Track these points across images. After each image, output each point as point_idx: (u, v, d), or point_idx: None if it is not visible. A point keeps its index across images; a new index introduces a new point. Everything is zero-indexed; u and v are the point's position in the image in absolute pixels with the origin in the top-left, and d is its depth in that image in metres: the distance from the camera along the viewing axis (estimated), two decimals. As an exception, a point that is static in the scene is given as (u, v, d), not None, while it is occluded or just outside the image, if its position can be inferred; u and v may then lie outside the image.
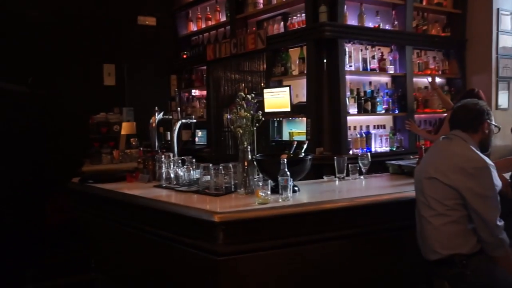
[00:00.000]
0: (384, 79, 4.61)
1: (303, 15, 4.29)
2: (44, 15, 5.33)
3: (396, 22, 4.56)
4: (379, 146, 4.36)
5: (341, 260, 2.30)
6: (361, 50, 4.31)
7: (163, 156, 2.91)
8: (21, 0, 5.25)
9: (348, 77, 4.16)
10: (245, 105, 2.44)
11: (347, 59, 4.16)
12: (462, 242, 2.07)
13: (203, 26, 5.80)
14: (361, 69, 4.30)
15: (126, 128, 4.94)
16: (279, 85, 4.59)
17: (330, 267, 2.27)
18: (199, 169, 2.65)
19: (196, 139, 5.86)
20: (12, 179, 4.64)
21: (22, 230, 4.65)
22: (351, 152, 4.09)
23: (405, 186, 2.60)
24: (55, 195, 4.94)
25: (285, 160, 2.26)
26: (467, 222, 2.09)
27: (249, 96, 2.45)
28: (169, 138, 4.26)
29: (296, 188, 2.46)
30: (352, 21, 4.28)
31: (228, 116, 4.69)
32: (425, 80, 4.74)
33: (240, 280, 2.10)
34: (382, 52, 4.46)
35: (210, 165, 2.50)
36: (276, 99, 4.40)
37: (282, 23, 4.67)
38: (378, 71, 4.43)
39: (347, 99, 4.11)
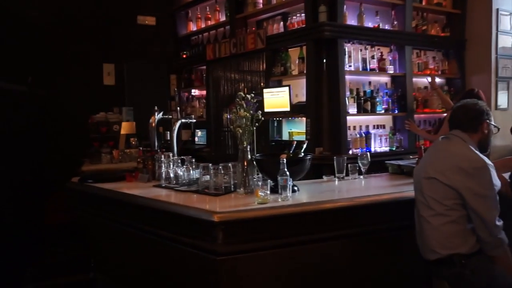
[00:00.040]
0: (384, 79, 4.62)
1: (303, 15, 4.29)
2: (43, 15, 5.34)
3: (395, 22, 4.56)
4: (379, 146, 4.36)
5: (341, 260, 2.31)
6: (361, 50, 4.31)
7: (162, 156, 2.91)
8: (21, 0, 5.25)
9: (347, 77, 4.16)
10: (244, 105, 2.44)
11: (346, 59, 4.16)
12: (461, 242, 2.08)
13: (203, 25, 5.80)
14: (360, 69, 4.31)
15: (125, 127, 4.95)
16: (279, 85, 4.59)
17: (329, 266, 2.27)
18: (198, 169, 2.65)
19: (196, 138, 5.86)
20: (11, 179, 4.64)
21: (22, 230, 4.65)
22: (350, 152, 4.09)
23: (405, 186, 2.61)
24: (55, 194, 4.94)
25: (285, 160, 2.26)
26: (466, 222, 2.09)
27: (248, 96, 2.45)
28: (168, 138, 4.25)
29: (295, 188, 2.47)
30: (351, 21, 4.28)
31: (228, 116, 4.70)
32: (424, 80, 4.74)
33: (239, 280, 2.10)
34: (381, 52, 4.47)
35: (210, 164, 2.50)
36: (276, 99, 4.40)
37: (281, 23, 4.67)
38: (377, 71, 4.43)
39: (346, 99, 4.11)
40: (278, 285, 2.19)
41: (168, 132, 4.33)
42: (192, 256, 2.14)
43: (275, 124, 4.69)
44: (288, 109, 4.30)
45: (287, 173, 2.24)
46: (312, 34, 4.09)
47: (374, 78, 4.51)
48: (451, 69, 5.06)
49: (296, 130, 4.54)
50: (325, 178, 2.95)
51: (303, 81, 4.27)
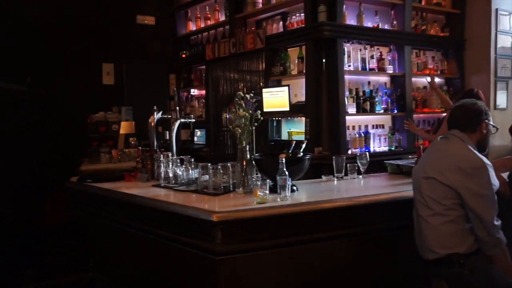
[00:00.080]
0: (383, 79, 4.62)
1: (302, 14, 4.29)
2: (43, 15, 5.33)
3: (395, 22, 4.56)
4: (378, 145, 4.37)
5: (340, 260, 2.31)
6: (360, 50, 4.32)
7: (161, 156, 2.91)
8: (21, 0, 5.25)
9: (347, 76, 4.16)
10: (244, 105, 2.44)
11: (346, 59, 4.16)
12: (460, 241, 2.08)
13: (202, 25, 5.80)
14: (360, 69, 4.31)
15: (124, 127, 4.95)
16: (278, 84, 4.59)
17: (328, 266, 2.27)
18: (197, 168, 2.65)
19: (195, 138, 5.86)
20: (11, 179, 4.64)
21: (21, 230, 4.65)
22: (349, 151, 4.10)
23: (403, 186, 2.61)
24: (55, 194, 4.94)
25: (284, 159, 2.26)
26: (464, 222, 2.09)
27: (248, 96, 2.45)
28: (167, 138, 4.25)
29: (294, 188, 2.47)
30: (351, 20, 4.29)
31: (227, 116, 4.70)
32: (424, 80, 4.74)
33: (238, 280, 2.10)
34: (381, 52, 4.47)
35: (209, 164, 2.50)
36: (275, 99, 4.40)
37: (281, 22, 4.67)
38: (377, 71, 4.43)
39: (346, 98, 4.11)
40: (277, 285, 2.19)
41: (167, 132, 4.33)
42: (191, 255, 2.14)
43: (274, 124, 4.70)
44: (287, 109, 4.30)
45: (286, 173, 2.24)
46: (311, 34, 4.09)
47: (373, 78, 4.51)
48: (450, 69, 5.06)
49: (295, 130, 4.54)
50: (324, 178, 2.95)
51: (302, 81, 4.27)
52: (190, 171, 2.82)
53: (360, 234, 2.30)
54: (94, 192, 2.88)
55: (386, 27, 4.53)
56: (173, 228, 2.23)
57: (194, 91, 6.15)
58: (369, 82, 4.45)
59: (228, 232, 2.02)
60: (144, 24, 6.10)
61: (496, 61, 4.83)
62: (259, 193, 2.19)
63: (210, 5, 5.70)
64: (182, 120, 3.62)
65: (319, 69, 4.11)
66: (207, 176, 2.49)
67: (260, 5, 4.83)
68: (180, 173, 2.79)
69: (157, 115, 3.50)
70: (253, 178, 2.42)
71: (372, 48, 4.42)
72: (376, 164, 3.28)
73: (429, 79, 4.47)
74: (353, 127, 4.24)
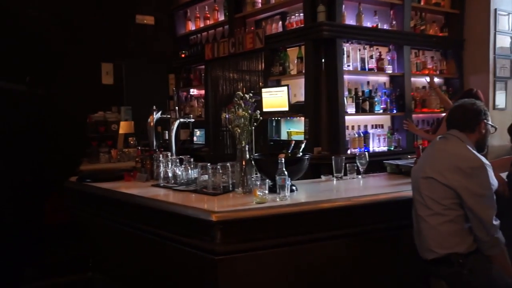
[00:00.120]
0: (382, 78, 4.62)
1: (302, 14, 4.29)
2: (43, 14, 5.33)
3: (394, 22, 4.56)
4: (377, 145, 4.37)
5: (339, 259, 2.31)
6: (359, 50, 4.32)
7: (161, 155, 2.91)
8: (21, 0, 5.24)
9: (346, 76, 4.16)
10: (243, 105, 2.44)
11: (345, 59, 4.17)
12: (459, 241, 2.09)
13: (202, 25, 5.80)
14: (359, 69, 4.31)
15: (124, 127, 4.94)
16: (277, 84, 4.59)
17: (327, 266, 2.28)
18: (197, 168, 2.65)
19: (194, 138, 5.86)
20: (10, 179, 4.64)
21: (21, 230, 4.64)
22: (349, 151, 4.10)
23: (403, 186, 2.61)
24: (54, 194, 4.94)
25: (283, 159, 2.26)
26: (463, 222, 2.10)
27: (247, 96, 2.45)
28: (167, 137, 4.26)
29: (294, 188, 2.47)
30: (350, 20, 4.29)
31: (226, 116, 4.66)
32: (423, 80, 4.75)
33: (238, 279, 2.10)
34: (380, 52, 4.47)
35: (208, 164, 2.50)
36: (274, 99, 4.40)
37: (280, 22, 4.67)
38: (376, 70, 4.43)
39: (345, 98, 4.12)
40: (276, 285, 2.19)
41: (167, 132, 4.34)
42: (190, 255, 2.14)
43: (274, 124, 4.70)
44: (286, 108, 4.30)
45: (286, 172, 2.24)
46: (310, 33, 4.09)
47: (372, 78, 4.51)
48: (449, 69, 5.07)
49: (294, 129, 4.54)
50: (323, 177, 2.95)
51: (301, 81, 4.27)
52: (190, 171, 2.82)
53: (359, 234, 2.31)
54: (93, 192, 2.88)
55: (385, 27, 4.53)
56: (172, 228, 2.23)
57: (193, 91, 6.15)
58: (368, 82, 4.45)
59: (227, 232, 2.02)
60: (144, 24, 6.09)
61: (495, 61, 4.84)
62: (259, 193, 2.19)
63: (209, 5, 5.70)
64: (182, 120, 3.62)
65: (318, 69, 4.11)
66: (206, 176, 2.49)
67: (260, 5, 4.83)
68: (180, 173, 2.79)
69: (157, 115, 3.50)
70: (253, 178, 2.42)
71: (371, 48, 4.42)
72: (376, 164, 3.29)
73: (428, 79, 4.48)
74: (352, 127, 4.25)
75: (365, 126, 4.35)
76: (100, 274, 3.35)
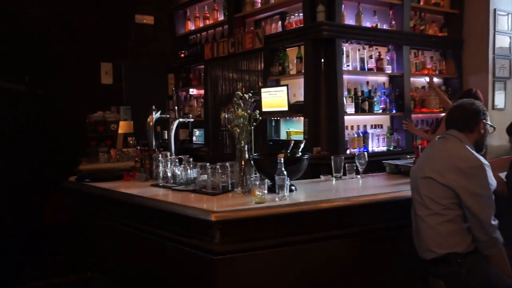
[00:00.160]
0: (382, 78, 4.62)
1: (301, 14, 4.29)
2: (42, 14, 5.33)
3: (393, 22, 4.57)
4: (376, 145, 4.38)
5: (338, 259, 2.31)
6: (359, 50, 4.32)
7: (160, 155, 2.91)
8: (21, 0, 5.24)
9: (345, 76, 4.17)
10: (242, 104, 2.44)
11: (344, 59, 4.17)
12: (458, 241, 2.09)
13: (201, 25, 5.80)
14: (358, 69, 4.32)
15: (123, 127, 4.94)
16: (277, 84, 4.59)
17: (326, 266, 2.28)
18: (196, 168, 2.65)
19: (194, 138, 5.86)
20: (10, 179, 4.64)
21: (20, 229, 4.64)
22: (348, 151, 4.10)
23: (402, 186, 2.61)
24: (54, 194, 4.94)
25: (282, 159, 2.27)
26: (462, 221, 2.10)
27: (246, 95, 2.45)
28: (166, 137, 4.26)
29: (293, 188, 2.47)
30: (349, 20, 4.29)
31: (226, 115, 4.67)
32: (422, 80, 4.75)
33: (237, 279, 2.11)
34: (379, 52, 4.47)
35: (207, 164, 2.50)
36: (274, 99, 4.40)
37: (280, 22, 4.68)
38: (375, 70, 4.43)
39: (344, 98, 4.12)
40: (275, 285, 2.19)
41: (166, 132, 4.34)
42: (189, 255, 2.14)
43: (273, 124, 4.70)
44: (286, 108, 4.30)
45: (285, 172, 2.24)
46: (310, 33, 4.09)
47: (372, 78, 4.51)
48: (449, 69, 5.07)
49: (294, 129, 4.54)
50: (322, 177, 2.95)
51: (301, 81, 4.27)
52: (189, 171, 2.82)
53: (359, 234, 2.31)
54: (92, 192, 2.88)
55: (384, 27, 4.54)
56: (172, 228, 2.23)
57: (192, 91, 6.15)
58: (367, 82, 4.46)
59: (226, 232, 2.02)
60: (143, 24, 6.09)
61: (494, 61, 4.84)
62: (258, 193, 2.19)
63: (209, 4, 5.70)
64: (181, 119, 3.62)
65: (317, 69, 4.11)
66: (206, 175, 2.49)
67: (259, 5, 4.83)
68: (179, 172, 2.79)
69: (156, 115, 3.50)
70: (252, 177, 2.42)
71: (371, 48, 4.42)
72: (375, 164, 3.29)
73: (427, 79, 4.48)
74: (352, 127, 4.25)
75: (364, 126, 4.35)
76: (99, 274, 3.35)
